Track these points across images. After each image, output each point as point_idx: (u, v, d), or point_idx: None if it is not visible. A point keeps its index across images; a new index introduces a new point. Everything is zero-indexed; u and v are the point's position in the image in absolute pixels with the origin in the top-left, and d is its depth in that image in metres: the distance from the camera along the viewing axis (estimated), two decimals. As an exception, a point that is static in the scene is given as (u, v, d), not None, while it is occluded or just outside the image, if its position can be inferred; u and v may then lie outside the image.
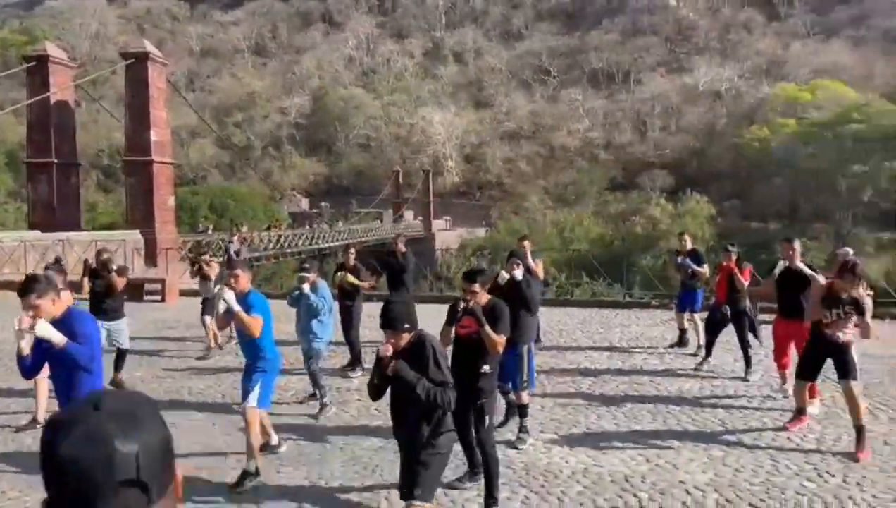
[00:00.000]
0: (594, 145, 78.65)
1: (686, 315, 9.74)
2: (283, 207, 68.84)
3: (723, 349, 8.84)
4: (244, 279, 5.39)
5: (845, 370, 5.75)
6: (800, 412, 6.28)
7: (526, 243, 8.86)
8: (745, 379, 7.96)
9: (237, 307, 5.16)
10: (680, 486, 4.98)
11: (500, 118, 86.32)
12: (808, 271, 6.74)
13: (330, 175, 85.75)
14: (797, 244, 7.09)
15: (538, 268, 8.54)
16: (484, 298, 4.80)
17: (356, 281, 8.73)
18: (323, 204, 74.16)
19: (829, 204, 54.29)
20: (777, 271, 7.10)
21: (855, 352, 5.88)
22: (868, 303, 5.81)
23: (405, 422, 3.57)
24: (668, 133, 76.68)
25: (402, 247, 9.98)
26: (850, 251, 12.69)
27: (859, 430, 5.68)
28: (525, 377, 5.97)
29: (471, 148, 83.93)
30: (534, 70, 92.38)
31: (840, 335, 5.76)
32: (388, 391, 3.69)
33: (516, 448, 5.81)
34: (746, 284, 8.22)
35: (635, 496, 4.82)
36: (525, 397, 6.01)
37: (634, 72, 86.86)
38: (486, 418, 4.68)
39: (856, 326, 5.79)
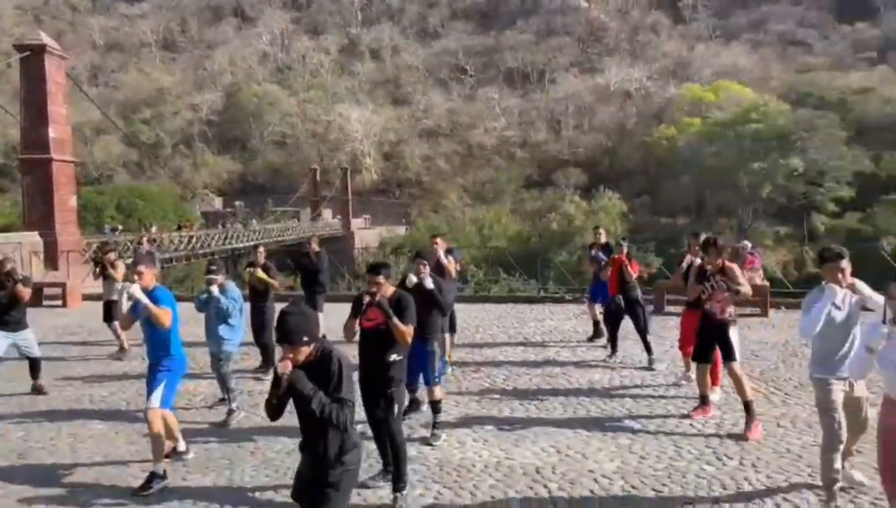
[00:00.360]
0: (511, 144, 79.78)
1: (598, 307, 10.02)
2: (196, 206, 66.71)
3: (633, 340, 9.12)
4: (148, 275, 5.27)
5: (727, 352, 6.14)
6: (703, 401, 6.56)
7: (439, 240, 8.89)
8: (650, 367, 8.26)
9: (145, 299, 5.04)
10: (588, 475, 5.11)
11: (418, 116, 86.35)
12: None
13: (244, 173, 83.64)
14: (721, 242, 7.42)
15: (450, 266, 8.58)
16: (389, 290, 4.85)
17: (266, 277, 8.56)
18: (237, 203, 72.31)
19: (732, 200, 56.89)
20: (684, 265, 7.41)
21: (735, 335, 6.19)
22: (737, 274, 6.25)
23: (311, 439, 3.43)
24: (581, 132, 78.57)
25: (315, 247, 9.85)
26: (749, 245, 13.42)
27: (747, 406, 6.00)
28: (437, 373, 5.99)
29: (389, 146, 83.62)
30: (450, 68, 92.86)
31: (718, 307, 6.17)
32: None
33: (431, 445, 5.83)
34: (635, 275, 8.58)
35: (545, 486, 4.92)
36: (438, 392, 6.06)
37: (549, 71, 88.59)
38: (395, 406, 4.73)
39: (735, 293, 6.16)
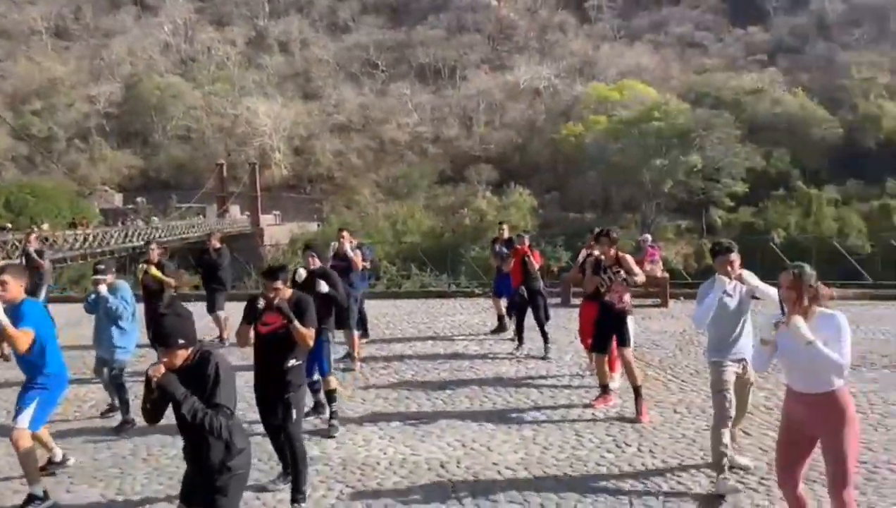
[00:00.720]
0: (423, 139, 79.86)
1: (503, 301, 10.13)
2: (94, 203, 63.47)
3: (536, 331, 9.25)
4: (14, 287, 4.66)
5: (622, 338, 6.33)
6: (605, 390, 6.72)
7: (345, 233, 8.76)
8: (545, 357, 8.43)
9: (4, 320, 4.47)
10: (493, 468, 5.12)
11: (329, 110, 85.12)
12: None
13: (146, 169, 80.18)
14: (614, 234, 7.65)
15: (357, 258, 8.47)
16: (287, 292, 4.70)
17: (161, 275, 8.19)
18: (139, 200, 69.28)
19: (636, 195, 58.92)
20: (581, 257, 7.59)
21: (631, 323, 6.39)
22: (631, 263, 6.44)
23: (194, 443, 3.26)
24: (492, 128, 79.49)
25: (216, 243, 9.53)
26: (650, 238, 13.93)
27: (636, 391, 6.21)
28: (332, 363, 6.03)
29: (299, 140, 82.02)
30: (362, 63, 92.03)
31: (616, 297, 6.34)
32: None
33: (332, 437, 5.77)
34: (538, 266, 8.75)
35: (450, 481, 4.90)
36: (333, 382, 6.04)
37: (460, 68, 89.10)
38: (294, 411, 4.56)
39: (630, 283, 6.36)
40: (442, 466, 5.16)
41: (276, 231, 65.70)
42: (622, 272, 6.39)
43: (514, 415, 6.36)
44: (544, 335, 8.73)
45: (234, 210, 70.00)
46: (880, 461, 5.07)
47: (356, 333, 8.37)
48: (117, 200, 71.92)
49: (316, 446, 5.63)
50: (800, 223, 51.47)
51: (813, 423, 3.64)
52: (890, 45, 74.71)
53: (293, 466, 4.57)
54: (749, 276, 4.80)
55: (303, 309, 4.56)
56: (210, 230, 30.06)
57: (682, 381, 7.40)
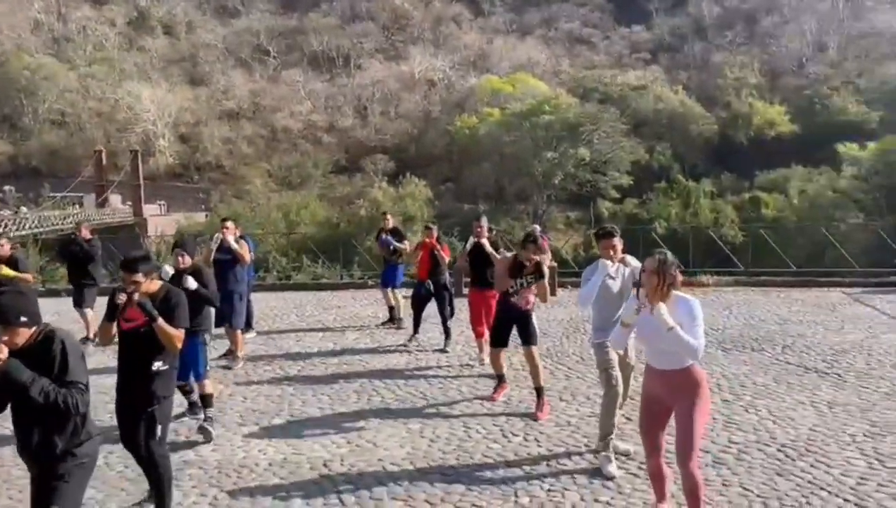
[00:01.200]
0: (318, 128, 78.33)
1: (400, 293, 10.00)
2: (-45, 190, 58.55)
3: (431, 323, 9.19)
4: None
5: (527, 337, 6.27)
6: (500, 380, 6.71)
7: (229, 224, 8.33)
8: (444, 350, 8.38)
9: None
10: (378, 464, 4.98)
11: (218, 97, 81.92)
12: (488, 247, 7.29)
13: (16, 155, 74.47)
14: (484, 222, 7.70)
15: (243, 251, 8.08)
16: (154, 285, 4.24)
17: (14, 273, 7.52)
18: (7, 188, 64.20)
19: (528, 187, 60.18)
20: (468, 246, 7.55)
21: (536, 319, 6.39)
22: (546, 270, 6.36)
23: (33, 435, 2.96)
24: (388, 119, 78.99)
25: (86, 233, 8.86)
26: (539, 228, 14.13)
27: (539, 391, 6.22)
28: (208, 366, 5.71)
29: (186, 128, 78.49)
30: (252, 49, 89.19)
31: (522, 301, 6.24)
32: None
33: (207, 441, 5.44)
34: (447, 259, 8.67)
35: (332, 480, 4.72)
36: (209, 386, 5.72)
37: (354, 57, 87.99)
38: (158, 427, 4.07)
39: (537, 290, 6.30)
40: (325, 465, 4.97)
41: (161, 222, 62.66)
42: (533, 281, 6.20)
43: (402, 409, 6.24)
44: (446, 330, 8.61)
45: (116, 200, 66.30)
46: (750, 441, 5.30)
47: (239, 330, 8.00)
48: (-19, 187, 66.56)
49: (190, 449, 5.30)
50: (680, 214, 54.08)
51: (668, 396, 3.87)
52: (759, 47, 79.89)
53: (156, 489, 4.12)
54: (631, 259, 4.99)
55: (171, 306, 4.09)
56: (91, 221, 28.28)
57: (569, 368, 7.52)
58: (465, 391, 6.77)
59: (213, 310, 5.84)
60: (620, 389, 4.95)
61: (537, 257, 6.19)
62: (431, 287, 8.65)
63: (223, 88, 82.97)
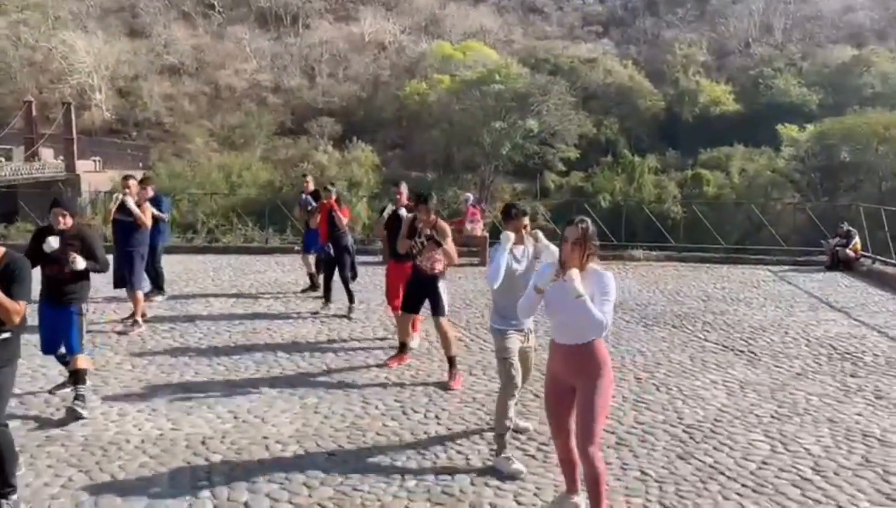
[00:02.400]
0: (263, 88, 76.09)
1: (312, 257, 9.60)
2: None
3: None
4: None
5: (434, 306, 6.01)
6: (402, 348, 6.42)
7: (131, 183, 7.73)
8: (348, 317, 8.08)
9: None
10: (262, 442, 4.63)
11: (159, 51, 78.72)
12: (405, 214, 6.91)
13: (-62, 103, 70.55)
14: (403, 188, 7.32)
15: (142, 214, 7.53)
16: None
17: None
18: (-73, 138, 60.82)
19: (477, 156, 59.78)
20: (385, 214, 7.18)
21: (444, 289, 6.09)
22: (446, 235, 6.05)
23: None
24: (336, 81, 77.26)
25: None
26: (471, 197, 13.87)
27: (451, 361, 5.97)
28: (84, 338, 5.18)
29: (124, 81, 75.35)
30: (196, 2, 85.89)
31: (428, 264, 5.98)
32: None
33: (80, 418, 4.96)
34: (346, 221, 8.32)
35: (207, 459, 4.35)
36: (83, 361, 5.20)
37: (303, 16, 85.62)
38: None
39: (438, 247, 6.01)
40: (203, 443, 4.58)
41: (96, 179, 60.08)
42: (435, 239, 5.95)
43: (301, 381, 5.88)
44: (349, 293, 8.37)
45: (48, 154, 63.40)
46: (656, 421, 5.14)
47: (141, 293, 7.48)
48: None
49: (58, 424, 4.85)
50: (624, 189, 54.63)
51: (570, 372, 3.65)
52: (707, 25, 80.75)
53: None
54: (541, 235, 4.66)
55: (11, 278, 3.59)
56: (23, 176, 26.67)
57: (484, 342, 7.26)
58: (371, 362, 6.46)
59: (91, 278, 5.24)
60: (519, 381, 4.61)
61: (432, 218, 5.99)
62: (331, 250, 8.31)
63: (164, 42, 79.76)
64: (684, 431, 4.96)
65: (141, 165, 68.25)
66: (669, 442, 4.76)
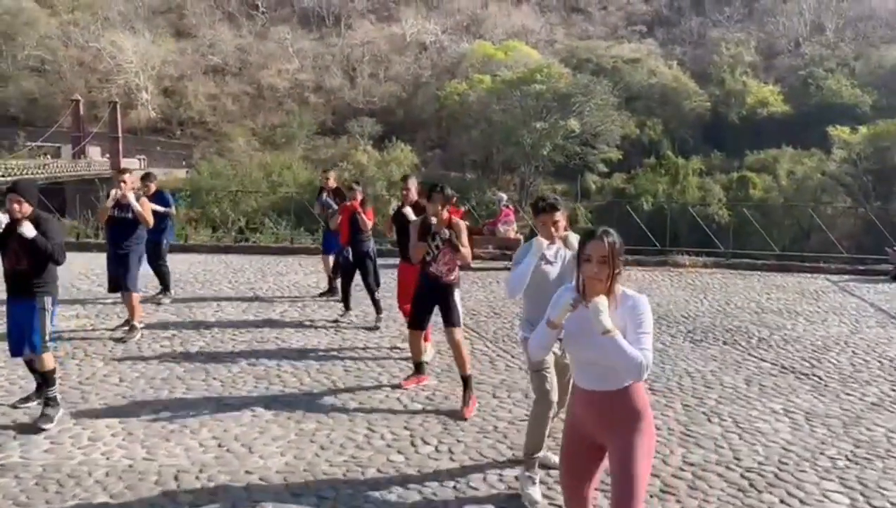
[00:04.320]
0: (304, 88, 76.43)
1: (332, 259, 8.98)
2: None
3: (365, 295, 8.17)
4: None
5: (448, 315, 5.31)
6: (418, 368, 5.74)
7: (126, 178, 7.19)
8: (375, 328, 7.41)
9: None
10: (244, 478, 3.99)
11: (204, 51, 79.71)
12: (410, 215, 6.23)
13: (-8, 101, 72.42)
14: (412, 183, 6.62)
15: (145, 210, 6.98)
16: None
17: None
18: (-20, 133, 62.45)
19: (516, 157, 59.00)
20: (391, 210, 6.49)
21: (459, 295, 5.41)
22: (463, 233, 5.36)
23: None
24: (377, 81, 77.18)
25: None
26: (504, 197, 13.14)
27: (465, 381, 5.28)
28: (48, 336, 4.66)
29: (170, 81, 76.47)
30: (241, 3, 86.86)
31: (444, 269, 5.31)
32: None
33: (42, 429, 4.48)
34: (370, 224, 7.63)
35: (174, 500, 3.72)
36: (49, 361, 4.71)
37: (345, 16, 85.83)
38: None
39: (454, 251, 5.29)
40: (176, 478, 3.96)
41: (135, 177, 60.94)
42: (452, 241, 5.21)
43: (302, 401, 5.23)
44: (375, 303, 7.64)
45: (95, 152, 64.71)
46: (709, 462, 4.36)
47: (137, 296, 6.94)
48: (-46, 134, 64.83)
49: (19, 447, 4.28)
50: (667, 191, 53.28)
51: (598, 426, 2.84)
52: (756, 24, 78.49)
53: None
54: (574, 239, 3.89)
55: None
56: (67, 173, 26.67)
57: (512, 357, 6.53)
58: (384, 380, 5.78)
59: (57, 270, 4.74)
60: (555, 397, 3.96)
61: (446, 216, 5.25)
62: (350, 255, 7.63)
63: (209, 42, 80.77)
64: (743, 476, 4.18)
65: (184, 163, 69.24)
66: (725, 491, 3.98)
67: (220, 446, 4.40)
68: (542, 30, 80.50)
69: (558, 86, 57.77)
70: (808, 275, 11.95)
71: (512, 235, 11.77)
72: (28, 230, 4.38)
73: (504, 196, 12.88)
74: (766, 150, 56.73)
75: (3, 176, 40.29)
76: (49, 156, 55.96)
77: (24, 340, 4.58)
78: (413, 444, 4.50)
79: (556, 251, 4.00)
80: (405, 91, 75.13)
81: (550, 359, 3.93)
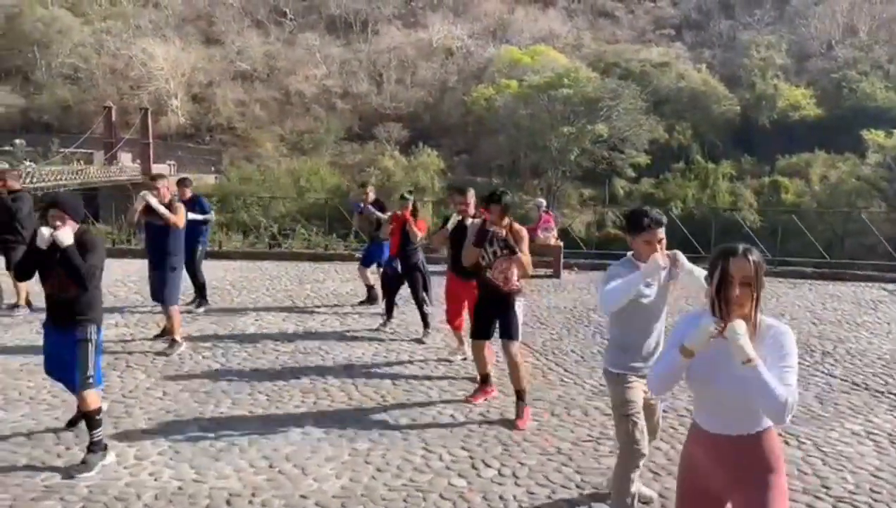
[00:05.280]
0: (332, 93, 76.78)
1: (372, 270, 8.76)
2: (-36, 142, 58.06)
3: (412, 306, 7.93)
4: None
5: (506, 327, 5.06)
6: (484, 381, 5.48)
7: (159, 182, 6.99)
8: (421, 341, 7.15)
9: None
10: (299, 503, 3.76)
11: (232, 58, 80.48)
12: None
13: (27, 109, 73.65)
14: (470, 197, 6.27)
15: (177, 214, 6.76)
16: None
17: None
18: (17, 141, 63.47)
19: (543, 161, 58.63)
20: (450, 224, 6.23)
21: (521, 307, 5.15)
22: (523, 241, 5.12)
23: None
24: (403, 86, 77.29)
25: (14, 184, 7.62)
26: (544, 203, 12.84)
27: (519, 394, 5.04)
28: (90, 370, 4.20)
29: (199, 88, 77.32)
30: (269, 10, 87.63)
31: (501, 277, 5.07)
32: None
33: (72, 476, 4.00)
34: (420, 236, 7.36)
35: (228, 528, 3.51)
36: (93, 398, 4.20)
37: (372, 22, 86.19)
38: None
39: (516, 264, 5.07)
40: (228, 502, 3.74)
41: (171, 182, 61.52)
42: (510, 247, 4.98)
43: (352, 418, 5.00)
44: (423, 316, 7.36)
45: (126, 158, 65.53)
46: (796, 490, 4.03)
47: (176, 308, 6.75)
48: (-9, 140, 66.12)
49: (63, 466, 4.10)
50: (697, 196, 52.60)
51: (725, 477, 2.45)
52: (787, 27, 77.27)
53: None
54: (683, 259, 3.45)
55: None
56: (103, 178, 26.84)
57: (565, 370, 6.26)
58: (434, 396, 5.53)
59: (99, 295, 4.33)
60: (646, 448, 3.49)
61: (506, 223, 5.03)
62: (399, 267, 7.39)
63: (238, 49, 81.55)
64: (834, 507, 3.86)
65: (213, 169, 69.87)
66: (819, 524, 3.67)
67: (271, 466, 4.17)
68: (569, 34, 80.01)
69: (586, 90, 57.38)
70: (862, 284, 11.48)
71: (552, 241, 11.48)
72: (65, 237, 3.98)
73: (543, 201, 12.58)
74: (799, 154, 55.75)
75: (40, 183, 40.74)
76: (82, 162, 56.78)
77: (58, 368, 4.22)
78: (474, 466, 4.24)
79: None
80: (432, 96, 75.13)
81: (640, 401, 3.51)
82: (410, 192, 7.87)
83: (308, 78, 78.15)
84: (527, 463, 4.29)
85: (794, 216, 22.13)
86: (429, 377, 5.98)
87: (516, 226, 5.15)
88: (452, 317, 6.32)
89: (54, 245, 4.02)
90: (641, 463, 3.53)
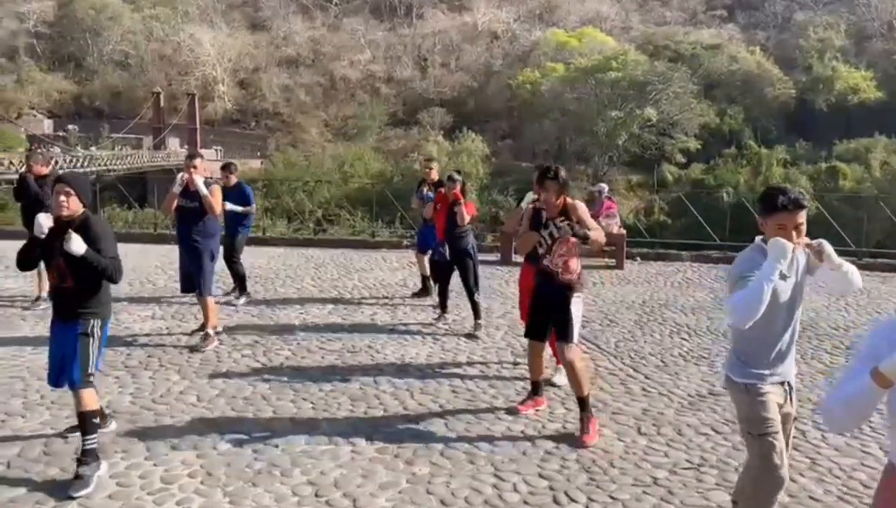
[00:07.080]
0: (376, 78, 76.45)
1: (426, 258, 8.12)
2: (21, 129, 59.61)
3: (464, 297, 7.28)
4: None
5: (562, 327, 4.43)
6: (535, 389, 4.80)
7: (197, 163, 6.40)
8: (474, 335, 6.53)
9: None
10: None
11: (278, 43, 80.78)
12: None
13: (80, 94, 75.21)
14: (563, 173, 5.50)
15: (214, 198, 6.17)
16: None
17: None
18: (71, 127, 64.82)
19: (590, 146, 57.36)
20: (525, 203, 5.52)
21: (578, 307, 4.48)
22: (584, 214, 4.52)
23: None
24: (448, 71, 76.51)
25: (43, 168, 7.18)
26: (606, 188, 12.01)
27: (582, 403, 4.39)
28: (91, 368, 3.70)
29: (245, 73, 77.81)
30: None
31: (560, 263, 4.44)
32: None
33: (71, 498, 3.47)
34: (469, 218, 6.70)
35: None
36: (90, 399, 3.68)
37: (416, 6, 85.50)
38: None
39: (583, 241, 4.44)
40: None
41: (216, 166, 62.09)
42: (572, 229, 4.38)
43: (409, 433, 4.36)
44: (474, 306, 6.77)
45: (174, 143, 66.50)
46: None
47: (213, 299, 6.21)
48: (46, 126, 67.86)
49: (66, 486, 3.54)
50: (749, 182, 50.84)
51: None
52: (846, 6, 74.09)
53: None
54: (829, 248, 2.84)
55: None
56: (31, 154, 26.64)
57: (646, 377, 5.52)
58: (498, 402, 4.87)
59: (109, 289, 3.82)
60: (785, 473, 2.83)
61: (560, 200, 4.44)
62: (447, 252, 6.75)
63: (283, 35, 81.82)
64: None
65: (259, 154, 70.29)
66: None
67: (317, 495, 3.55)
68: (616, 16, 78.12)
69: (634, 73, 55.93)
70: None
71: (615, 229, 10.67)
72: (77, 246, 3.51)
73: (605, 186, 11.75)
74: (858, 139, 53.49)
75: (91, 168, 41.25)
76: (130, 147, 57.67)
77: (64, 370, 3.74)
78: (556, 501, 3.56)
79: (790, 263, 2.84)
80: (476, 81, 74.19)
81: (777, 416, 2.83)
82: (459, 172, 7.25)
83: (353, 63, 77.91)
84: (619, 498, 3.59)
85: (832, 203, 20.74)
86: (492, 384, 5.30)
87: (570, 201, 4.53)
88: (523, 307, 5.64)
89: (52, 234, 3.61)
90: (780, 495, 2.87)
